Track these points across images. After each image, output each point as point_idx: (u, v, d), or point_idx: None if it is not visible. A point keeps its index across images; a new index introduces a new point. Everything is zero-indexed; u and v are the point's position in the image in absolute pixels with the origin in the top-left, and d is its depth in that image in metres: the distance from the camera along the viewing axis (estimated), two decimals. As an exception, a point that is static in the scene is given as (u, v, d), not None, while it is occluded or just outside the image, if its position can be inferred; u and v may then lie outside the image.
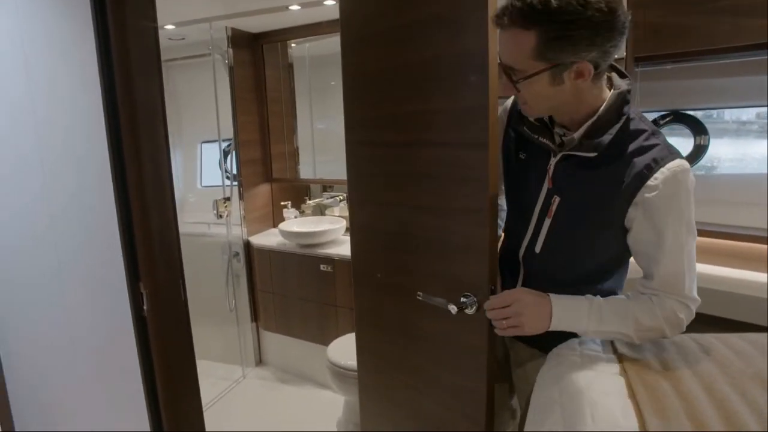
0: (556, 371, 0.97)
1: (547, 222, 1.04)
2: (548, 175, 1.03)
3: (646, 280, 0.99)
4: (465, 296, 1.16)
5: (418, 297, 1.26)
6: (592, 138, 0.94)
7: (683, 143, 2.02)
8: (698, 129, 1.96)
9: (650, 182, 0.88)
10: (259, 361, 3.05)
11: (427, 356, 1.33)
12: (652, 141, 0.92)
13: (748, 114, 1.97)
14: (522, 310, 0.98)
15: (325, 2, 2.22)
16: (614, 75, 0.98)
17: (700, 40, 1.58)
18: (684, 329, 0.99)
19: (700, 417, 0.78)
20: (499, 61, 0.95)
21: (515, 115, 1.10)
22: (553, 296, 0.99)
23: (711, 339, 1.04)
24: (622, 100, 0.94)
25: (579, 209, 0.99)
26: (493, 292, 1.12)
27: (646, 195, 0.89)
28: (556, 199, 1.02)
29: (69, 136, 1.86)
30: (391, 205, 1.36)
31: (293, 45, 2.92)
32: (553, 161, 1.02)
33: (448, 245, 1.20)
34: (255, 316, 2.98)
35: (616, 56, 0.94)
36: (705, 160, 1.99)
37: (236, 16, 2.43)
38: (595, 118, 0.94)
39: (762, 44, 1.47)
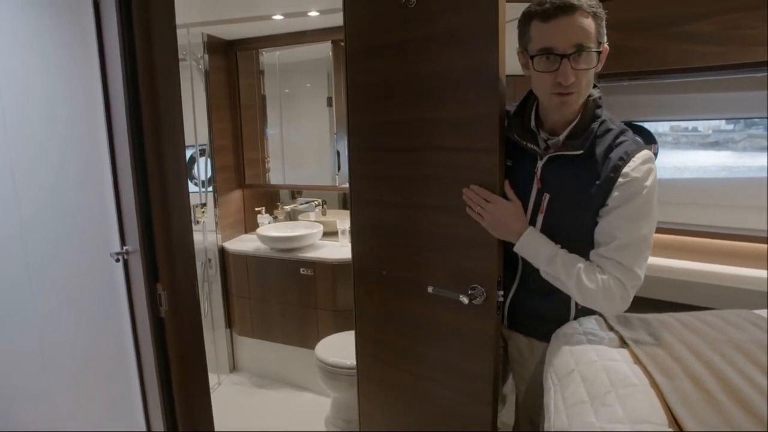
0: (566, 346, 1.12)
1: (540, 217, 1.19)
2: (536, 176, 1.19)
3: (600, 248, 1.11)
4: (473, 288, 1.29)
5: (429, 290, 1.37)
6: (574, 139, 1.11)
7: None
8: (648, 139, 2.22)
9: (625, 170, 1.07)
10: (233, 368, 3.04)
11: (435, 345, 1.44)
12: (622, 138, 1.11)
13: (663, 126, 2.25)
14: (497, 212, 1.16)
15: (309, 13, 2.30)
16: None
17: (654, 61, 1.82)
18: (619, 308, 1.11)
19: (695, 374, 0.94)
20: (550, 48, 1.03)
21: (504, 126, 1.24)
22: (531, 229, 1.16)
23: (687, 316, 1.23)
24: (596, 105, 1.14)
25: (567, 202, 1.15)
26: (499, 284, 1.25)
27: (622, 180, 1.07)
28: (546, 197, 1.18)
29: (45, 141, 1.83)
30: (398, 205, 1.47)
31: (264, 53, 2.97)
32: (540, 164, 1.18)
33: (457, 241, 1.32)
34: (229, 322, 2.97)
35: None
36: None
37: (218, 23, 2.45)
38: (576, 121, 1.12)
39: (706, 67, 1.73)
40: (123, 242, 1.73)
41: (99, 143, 1.73)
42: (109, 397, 1.94)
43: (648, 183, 1.06)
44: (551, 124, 1.17)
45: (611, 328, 1.18)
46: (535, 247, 1.15)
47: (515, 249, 1.18)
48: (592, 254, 1.13)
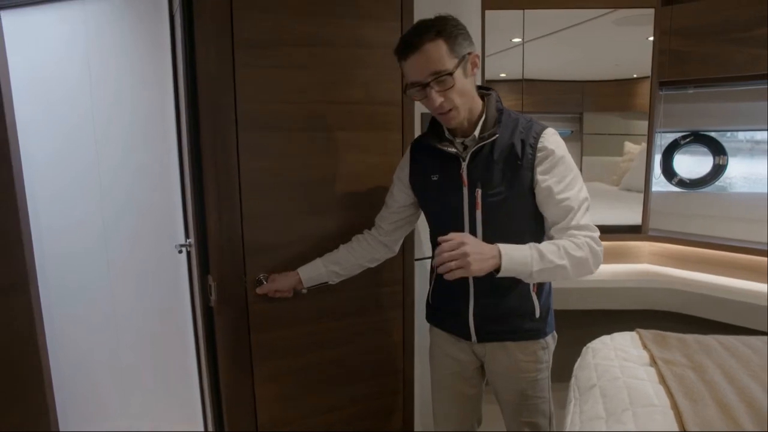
0: (591, 361, 1.10)
1: (479, 213, 1.20)
2: (462, 179, 1.21)
3: (561, 223, 1.14)
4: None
5: None
6: (487, 131, 1.18)
7: (703, 162, 2.15)
8: (717, 149, 2.08)
9: (539, 146, 1.14)
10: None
11: None
12: (527, 123, 1.18)
13: (762, 133, 2.08)
14: (472, 244, 1.06)
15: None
16: (482, 91, 1.24)
17: (719, 68, 1.72)
18: (601, 260, 1.13)
19: (725, 400, 0.90)
20: (414, 82, 1.12)
21: (417, 150, 1.32)
22: (499, 245, 1.10)
23: (732, 340, 1.16)
24: (496, 100, 1.22)
25: (499, 190, 1.18)
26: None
27: (541, 155, 1.14)
28: (479, 192, 1.19)
29: (126, 148, 2.03)
30: None
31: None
32: (464, 165, 1.21)
33: None
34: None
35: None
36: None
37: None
38: (485, 116, 1.20)
39: (779, 73, 1.60)
40: (187, 236, 1.90)
41: (170, 145, 1.91)
42: (178, 384, 2.10)
43: (563, 149, 1.16)
44: (461, 131, 1.22)
45: (645, 346, 1.15)
46: (518, 256, 1.08)
47: (503, 272, 1.08)
48: (555, 231, 1.15)
